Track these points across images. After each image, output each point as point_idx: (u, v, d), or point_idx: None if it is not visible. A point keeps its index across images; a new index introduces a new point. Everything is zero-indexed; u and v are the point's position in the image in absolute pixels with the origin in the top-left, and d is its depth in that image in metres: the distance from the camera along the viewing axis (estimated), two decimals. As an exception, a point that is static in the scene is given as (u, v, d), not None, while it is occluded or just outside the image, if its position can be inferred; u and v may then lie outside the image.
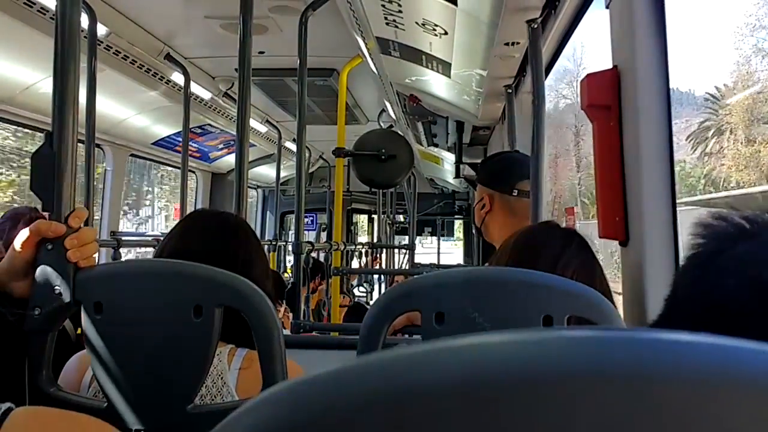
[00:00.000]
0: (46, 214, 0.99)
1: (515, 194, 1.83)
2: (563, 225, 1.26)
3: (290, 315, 2.82)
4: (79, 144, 2.66)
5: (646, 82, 1.11)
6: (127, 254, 3.64)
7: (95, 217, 3.59)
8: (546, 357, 0.26)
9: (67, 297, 0.95)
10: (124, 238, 3.11)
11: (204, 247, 1.16)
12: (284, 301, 3.04)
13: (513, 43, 2.12)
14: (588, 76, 1.19)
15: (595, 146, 1.18)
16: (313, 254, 4.11)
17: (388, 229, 6.46)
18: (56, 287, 0.95)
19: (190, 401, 0.93)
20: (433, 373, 0.26)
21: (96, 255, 1.03)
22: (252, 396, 0.96)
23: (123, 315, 0.95)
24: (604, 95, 1.15)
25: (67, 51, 0.97)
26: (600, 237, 1.22)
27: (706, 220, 0.56)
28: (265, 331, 0.92)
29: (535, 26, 1.74)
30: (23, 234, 0.94)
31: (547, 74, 2.20)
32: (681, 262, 0.60)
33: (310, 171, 6.62)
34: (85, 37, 2.43)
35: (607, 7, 1.26)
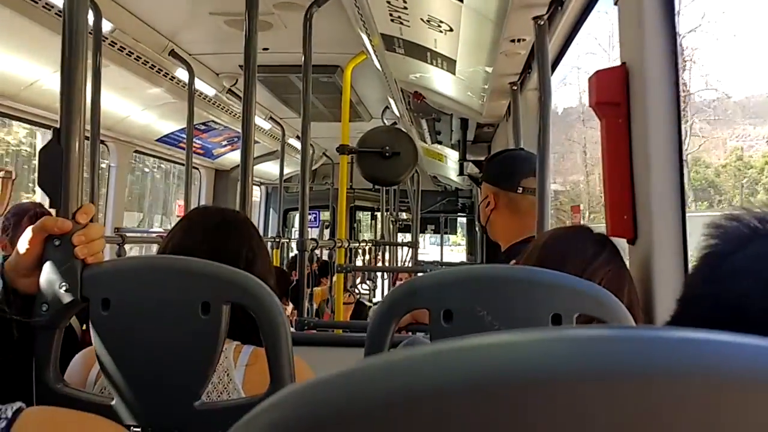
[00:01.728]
0: (53, 210, 0.99)
1: (520, 191, 1.83)
2: (569, 223, 1.25)
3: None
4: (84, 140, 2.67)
5: (655, 79, 1.10)
6: (130, 251, 3.64)
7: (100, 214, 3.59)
8: (558, 357, 0.26)
9: (74, 293, 0.95)
10: (128, 234, 3.11)
11: (207, 245, 1.16)
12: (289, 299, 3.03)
13: (519, 40, 2.11)
14: (596, 73, 1.19)
15: (603, 144, 1.18)
16: (317, 251, 4.11)
17: (391, 226, 6.45)
18: (63, 283, 0.94)
19: (197, 398, 0.93)
20: (447, 373, 0.26)
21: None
22: (258, 393, 0.96)
23: (130, 311, 0.95)
24: (613, 92, 1.14)
25: (75, 48, 0.97)
26: (608, 235, 1.21)
27: (718, 221, 0.56)
28: (272, 328, 0.91)
29: (542, 23, 1.73)
30: (30, 230, 0.94)
31: (553, 71, 2.20)
32: (690, 261, 0.59)
33: (314, 168, 6.61)
34: (90, 33, 2.43)
35: (615, 4, 1.25)
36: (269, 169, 6.28)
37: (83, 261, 0.96)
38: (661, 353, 0.25)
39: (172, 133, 4.25)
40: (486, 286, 0.96)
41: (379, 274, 6.16)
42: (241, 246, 1.20)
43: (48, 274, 0.95)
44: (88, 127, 2.46)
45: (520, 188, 1.84)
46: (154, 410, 0.94)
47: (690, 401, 0.23)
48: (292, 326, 2.81)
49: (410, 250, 5.84)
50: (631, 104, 1.14)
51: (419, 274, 1.12)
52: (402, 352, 0.28)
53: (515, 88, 2.65)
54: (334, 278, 3.29)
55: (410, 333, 1.54)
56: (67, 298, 0.95)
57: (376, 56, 2.95)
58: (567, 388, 0.24)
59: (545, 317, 0.93)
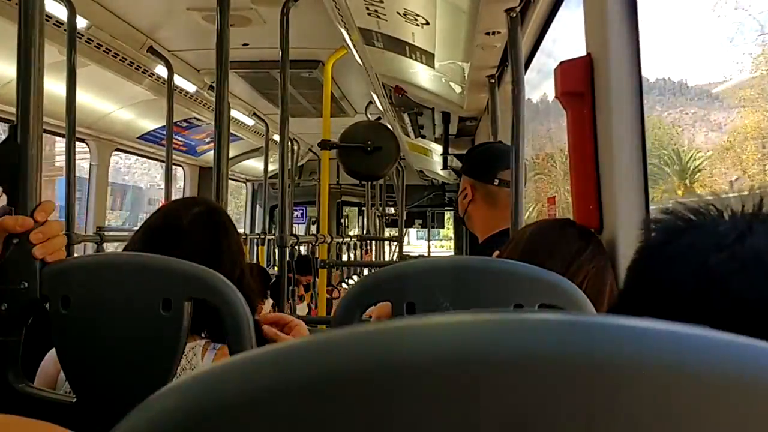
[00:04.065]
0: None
1: (496, 183, 1.84)
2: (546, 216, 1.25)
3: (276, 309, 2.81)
4: (60, 138, 2.63)
5: (619, 69, 1.10)
6: (117, 249, 3.62)
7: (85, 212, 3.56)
8: (497, 340, 0.25)
9: (33, 292, 0.94)
10: (108, 233, 3.09)
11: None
12: (269, 295, 3.02)
13: (493, 33, 2.11)
14: (562, 63, 1.19)
15: (569, 134, 1.18)
16: (303, 248, 4.10)
17: (377, 221, 6.46)
18: (22, 282, 0.94)
19: (160, 395, 0.92)
20: (356, 357, 0.26)
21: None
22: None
23: (91, 309, 0.94)
24: (578, 82, 1.14)
25: (30, 39, 0.95)
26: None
27: (656, 216, 0.58)
28: (235, 323, 0.91)
29: (514, 15, 1.73)
30: None
31: (528, 64, 2.20)
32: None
33: (300, 164, 6.60)
34: (64, 30, 2.41)
35: (581, -6, 1.25)
36: (256, 165, 6.26)
37: (42, 259, 0.95)
38: (599, 341, 0.24)
39: (153, 130, 4.22)
40: (449, 278, 0.96)
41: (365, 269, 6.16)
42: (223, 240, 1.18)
43: (6, 273, 0.94)
44: (62, 124, 2.43)
45: (497, 180, 1.85)
46: (116, 408, 0.93)
47: (626, 389, 0.23)
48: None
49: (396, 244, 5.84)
50: (596, 94, 1.15)
51: (384, 268, 1.12)
52: (302, 340, 0.27)
53: (493, 81, 2.65)
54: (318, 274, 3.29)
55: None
56: (26, 297, 0.94)
57: (356, 51, 2.94)
58: (503, 370, 0.24)
59: (507, 307, 0.93)
